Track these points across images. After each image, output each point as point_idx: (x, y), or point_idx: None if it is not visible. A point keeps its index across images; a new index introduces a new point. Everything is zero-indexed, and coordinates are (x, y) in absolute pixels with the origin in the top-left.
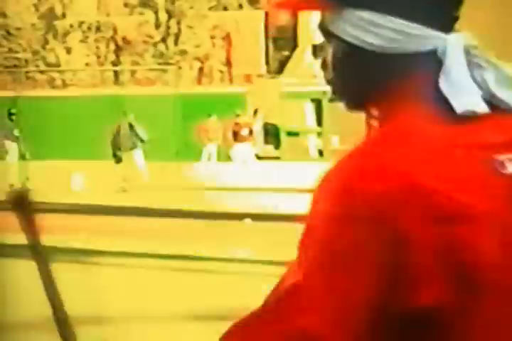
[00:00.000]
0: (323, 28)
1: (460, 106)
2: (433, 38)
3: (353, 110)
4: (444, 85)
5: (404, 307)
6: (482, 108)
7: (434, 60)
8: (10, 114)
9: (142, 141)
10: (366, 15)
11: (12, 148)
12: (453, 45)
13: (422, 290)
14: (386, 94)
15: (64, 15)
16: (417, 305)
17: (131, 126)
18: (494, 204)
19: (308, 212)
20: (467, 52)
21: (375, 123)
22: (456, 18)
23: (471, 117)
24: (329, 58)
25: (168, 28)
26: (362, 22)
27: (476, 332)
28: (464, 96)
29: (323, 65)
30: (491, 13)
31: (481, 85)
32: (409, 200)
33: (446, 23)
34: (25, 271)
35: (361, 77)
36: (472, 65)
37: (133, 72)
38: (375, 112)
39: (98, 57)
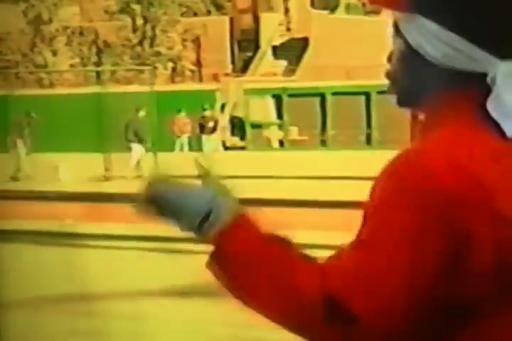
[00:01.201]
0: (395, 23)
1: (510, 131)
2: (486, 62)
3: (401, 106)
4: (492, 110)
5: (455, 295)
6: None
7: (482, 83)
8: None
9: (141, 139)
10: (433, 27)
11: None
12: (505, 72)
13: (475, 283)
14: (432, 103)
15: (50, 21)
16: (466, 296)
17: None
18: None
19: (379, 198)
20: None
21: (419, 125)
22: None
23: None
24: (394, 52)
25: (144, 32)
26: (428, 32)
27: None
28: None
29: (389, 57)
30: None
31: None
32: (475, 199)
33: (509, 50)
34: (26, 255)
35: (411, 80)
36: None
37: (113, 72)
38: (421, 116)
39: (81, 58)
